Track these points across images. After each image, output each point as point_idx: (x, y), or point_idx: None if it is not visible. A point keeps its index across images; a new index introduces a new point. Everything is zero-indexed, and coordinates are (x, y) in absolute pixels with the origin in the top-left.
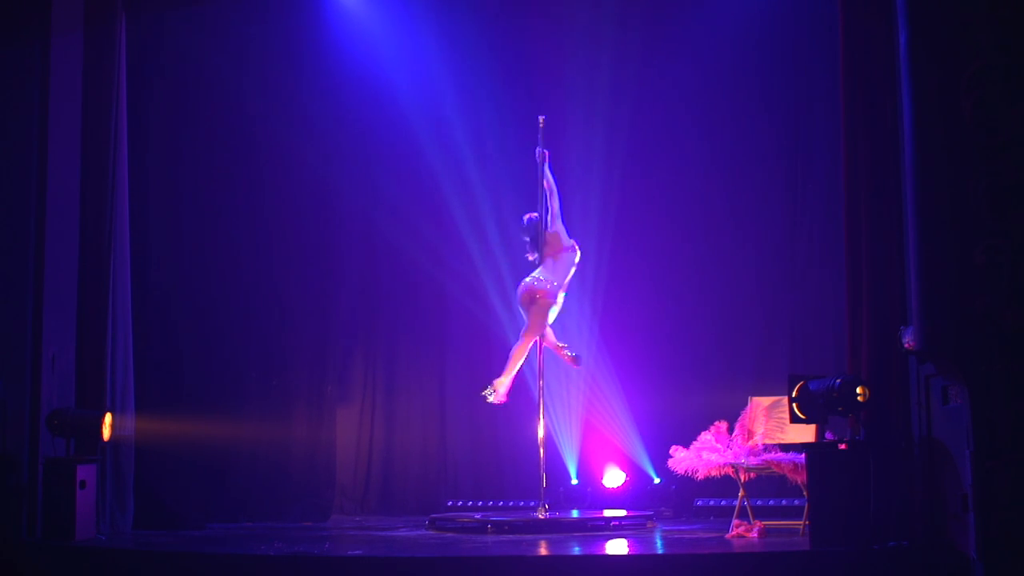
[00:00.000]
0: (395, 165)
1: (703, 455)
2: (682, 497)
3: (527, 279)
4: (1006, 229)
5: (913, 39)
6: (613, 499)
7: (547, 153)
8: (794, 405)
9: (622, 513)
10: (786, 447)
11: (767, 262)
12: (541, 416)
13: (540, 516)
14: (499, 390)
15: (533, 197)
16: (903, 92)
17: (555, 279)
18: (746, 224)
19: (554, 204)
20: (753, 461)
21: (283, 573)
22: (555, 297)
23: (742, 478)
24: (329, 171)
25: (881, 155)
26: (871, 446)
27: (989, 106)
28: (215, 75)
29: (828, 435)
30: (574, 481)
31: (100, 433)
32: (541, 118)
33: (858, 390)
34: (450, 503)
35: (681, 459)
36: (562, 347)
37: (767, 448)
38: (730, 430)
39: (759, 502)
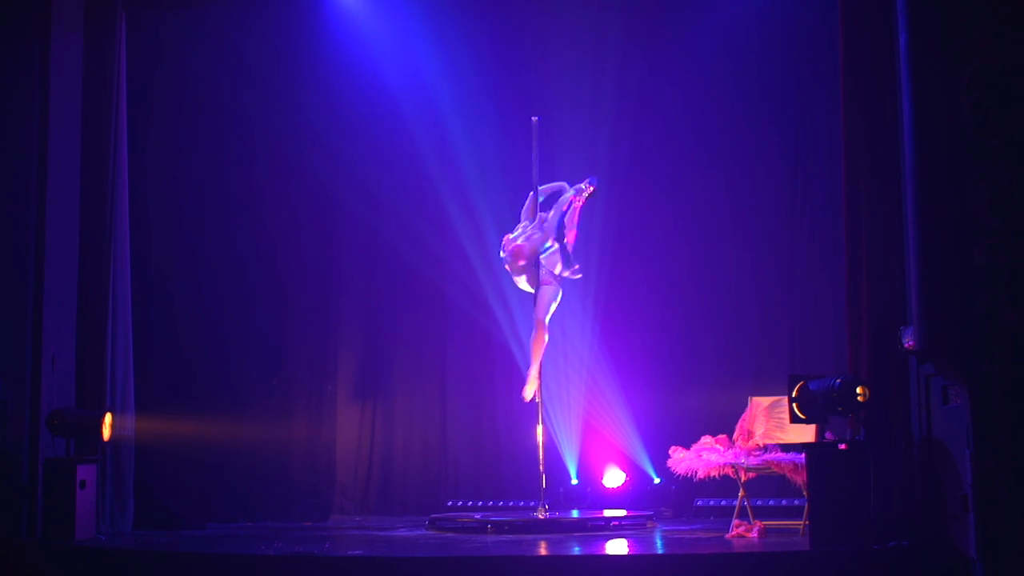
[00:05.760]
0: (395, 165)
1: (703, 455)
2: (682, 497)
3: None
4: (1006, 229)
5: (913, 39)
6: (613, 499)
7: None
8: (794, 405)
9: (622, 513)
10: (786, 447)
11: (767, 262)
12: (541, 416)
13: (540, 516)
14: (528, 387)
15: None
16: (903, 92)
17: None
18: (746, 224)
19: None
20: (753, 461)
21: (283, 573)
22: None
23: (742, 478)
24: (329, 171)
25: (881, 155)
26: (871, 446)
27: (989, 106)
28: (215, 75)
29: (828, 435)
30: (574, 481)
31: (100, 433)
32: (534, 119)
33: (858, 390)
34: (450, 503)
35: (681, 459)
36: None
37: (767, 448)
38: (730, 436)
39: (759, 502)
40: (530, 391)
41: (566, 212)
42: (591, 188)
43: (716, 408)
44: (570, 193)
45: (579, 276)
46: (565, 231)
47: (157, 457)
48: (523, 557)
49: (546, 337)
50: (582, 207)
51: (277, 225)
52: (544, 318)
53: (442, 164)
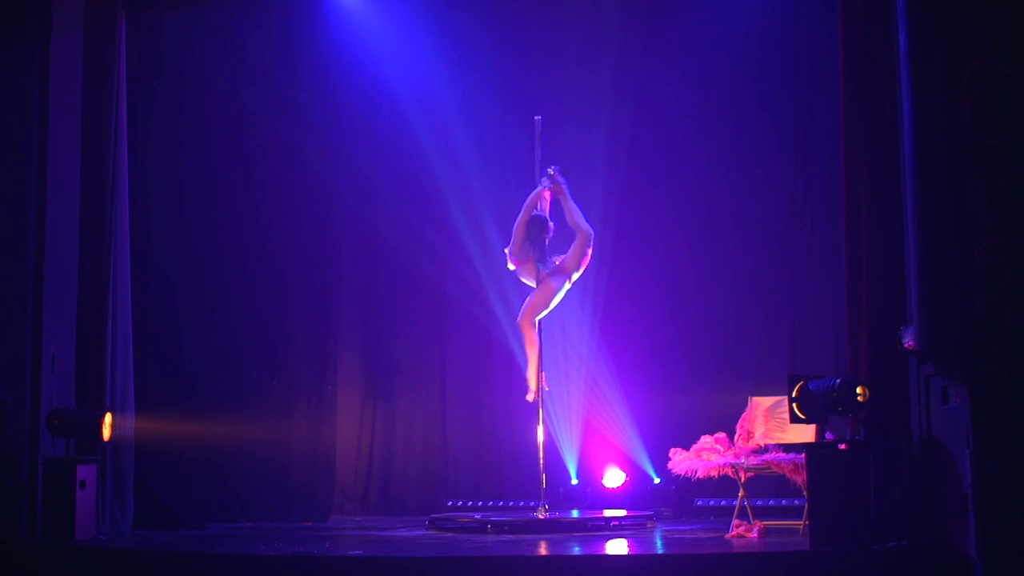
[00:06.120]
0: (395, 165)
1: (703, 455)
2: (682, 497)
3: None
4: (1006, 229)
5: (913, 39)
6: (613, 499)
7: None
8: (794, 405)
9: (622, 513)
10: (786, 447)
11: (767, 262)
12: (541, 416)
13: (540, 516)
14: (530, 387)
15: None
16: (903, 92)
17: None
18: (746, 224)
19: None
20: (753, 461)
21: (283, 573)
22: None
23: (742, 478)
24: (329, 171)
25: (881, 155)
26: (871, 446)
27: (989, 106)
28: (215, 75)
29: (828, 435)
30: (574, 481)
31: (100, 433)
32: (537, 118)
33: (858, 390)
34: (450, 503)
35: (681, 460)
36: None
37: (767, 448)
38: (731, 436)
39: (759, 502)
40: (533, 393)
41: (529, 206)
42: (552, 173)
43: (716, 408)
44: (537, 190)
45: (548, 269)
46: (542, 229)
47: (157, 457)
48: (523, 557)
49: (534, 337)
50: (566, 194)
51: (278, 224)
52: (521, 321)
53: (444, 163)
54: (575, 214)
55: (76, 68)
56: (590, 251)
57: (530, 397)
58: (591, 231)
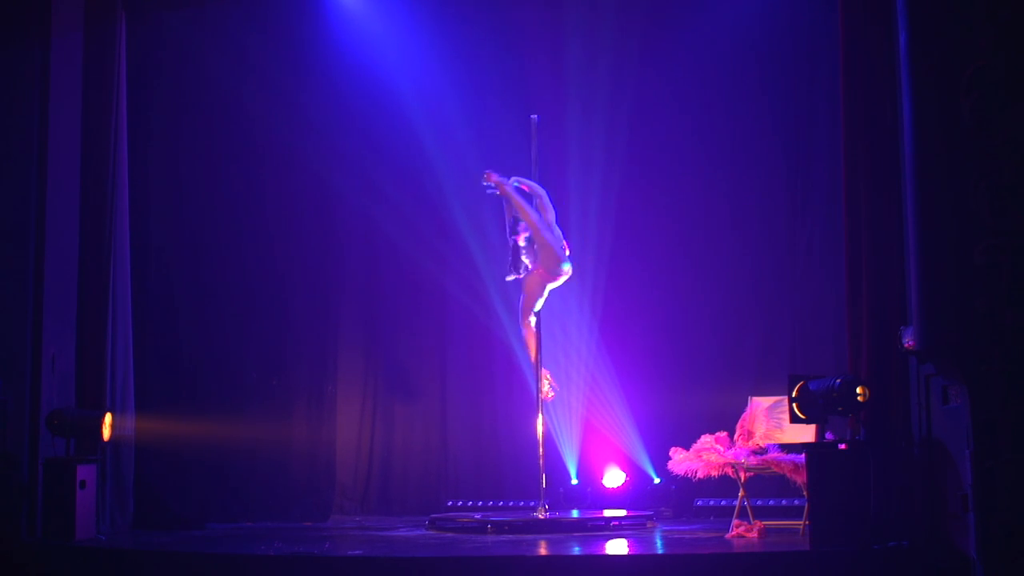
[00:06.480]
0: (395, 165)
1: (703, 455)
2: (682, 497)
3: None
4: (1006, 229)
5: (913, 39)
6: (613, 499)
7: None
8: (794, 405)
9: (622, 513)
10: (786, 447)
11: (767, 262)
12: (541, 416)
13: (540, 516)
14: (542, 384)
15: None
16: (903, 92)
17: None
18: (746, 224)
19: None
20: (753, 461)
21: (283, 573)
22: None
23: (742, 478)
24: (329, 171)
25: (881, 155)
26: (871, 446)
27: (989, 106)
28: (215, 75)
29: (828, 435)
30: (574, 481)
31: (100, 433)
32: (534, 117)
33: (858, 390)
34: (450, 503)
35: (680, 460)
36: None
37: (767, 448)
38: (731, 436)
39: (759, 502)
40: (548, 391)
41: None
42: (486, 177)
43: (716, 408)
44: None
45: (532, 268)
46: (512, 232)
47: (157, 457)
48: (523, 557)
49: (528, 336)
50: (509, 192)
51: (278, 224)
52: (520, 320)
53: (445, 163)
54: (522, 211)
55: (76, 68)
56: (550, 239)
57: (549, 395)
58: (536, 222)
